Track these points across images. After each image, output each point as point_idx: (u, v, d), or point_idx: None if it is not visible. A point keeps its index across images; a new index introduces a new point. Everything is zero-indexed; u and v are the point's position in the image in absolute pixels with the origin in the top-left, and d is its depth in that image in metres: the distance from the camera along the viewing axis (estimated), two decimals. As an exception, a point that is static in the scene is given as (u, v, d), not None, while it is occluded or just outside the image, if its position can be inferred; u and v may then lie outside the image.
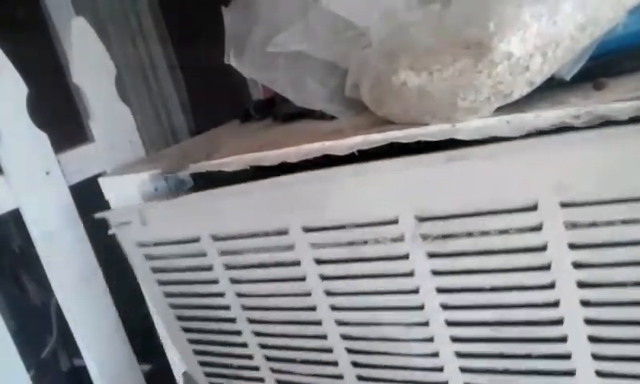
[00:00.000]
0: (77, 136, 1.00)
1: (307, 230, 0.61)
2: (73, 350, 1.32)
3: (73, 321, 0.87)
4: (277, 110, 0.85)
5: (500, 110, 0.52)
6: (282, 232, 0.63)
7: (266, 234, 0.65)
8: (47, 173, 0.85)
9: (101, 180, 0.82)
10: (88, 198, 0.87)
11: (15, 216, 0.82)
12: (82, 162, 0.90)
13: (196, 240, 0.70)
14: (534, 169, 0.48)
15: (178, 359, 0.88)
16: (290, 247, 0.63)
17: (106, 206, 0.82)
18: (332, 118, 0.72)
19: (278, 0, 0.71)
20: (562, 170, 0.47)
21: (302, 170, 0.60)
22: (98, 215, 0.75)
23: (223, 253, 0.69)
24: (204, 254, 0.70)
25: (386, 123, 0.60)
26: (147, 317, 0.87)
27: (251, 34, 0.71)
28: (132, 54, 1.55)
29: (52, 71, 1.43)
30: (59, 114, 1.41)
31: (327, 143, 0.62)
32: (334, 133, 0.64)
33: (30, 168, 0.83)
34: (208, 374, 0.81)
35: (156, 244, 0.74)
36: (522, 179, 0.49)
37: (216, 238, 0.69)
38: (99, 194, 0.82)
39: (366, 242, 0.58)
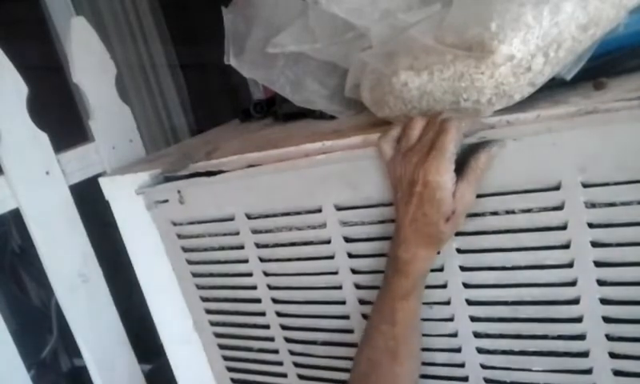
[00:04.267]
0: (77, 136, 1.00)
1: (339, 208, 0.63)
2: (73, 350, 1.32)
3: (73, 321, 0.87)
4: (277, 110, 0.85)
5: (501, 110, 0.52)
6: (315, 210, 0.64)
7: (298, 213, 0.66)
8: (47, 173, 0.85)
9: (101, 180, 0.82)
10: (88, 198, 0.87)
11: (15, 216, 0.82)
12: (82, 162, 0.90)
13: (231, 218, 0.71)
14: (559, 150, 0.49)
15: (179, 359, 0.88)
16: (322, 225, 0.64)
17: (105, 205, 0.82)
18: (332, 117, 0.73)
19: (278, 0, 0.71)
20: (584, 152, 0.48)
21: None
22: (139, 191, 0.76)
23: (255, 231, 0.70)
24: (237, 233, 0.71)
25: (385, 123, 0.60)
26: (147, 317, 0.87)
27: (251, 34, 0.71)
28: (132, 53, 1.56)
29: (52, 71, 1.43)
30: (59, 114, 1.41)
31: (327, 143, 0.62)
32: (334, 133, 0.64)
33: (30, 168, 0.83)
34: (226, 358, 0.82)
35: (190, 223, 0.75)
36: (547, 159, 0.50)
37: (250, 217, 0.70)
38: (99, 193, 0.82)
39: (394, 221, 0.59)
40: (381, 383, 0.58)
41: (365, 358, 0.59)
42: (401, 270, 0.54)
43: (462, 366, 0.61)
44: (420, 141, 0.51)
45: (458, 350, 0.61)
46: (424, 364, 0.64)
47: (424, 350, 0.63)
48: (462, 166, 0.51)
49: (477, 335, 0.60)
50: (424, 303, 0.61)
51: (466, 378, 0.62)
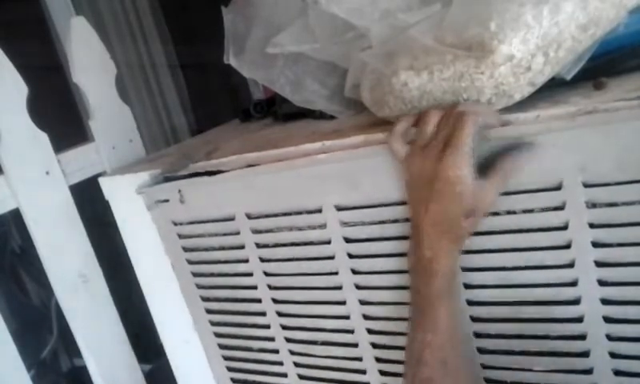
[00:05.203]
0: (77, 136, 1.00)
1: (339, 208, 0.63)
2: (73, 350, 1.32)
3: (73, 321, 0.87)
4: (277, 110, 0.85)
5: (500, 110, 0.52)
6: (316, 210, 0.64)
7: (299, 213, 0.66)
8: (47, 173, 0.85)
9: (101, 180, 0.82)
10: (88, 198, 0.87)
11: (15, 216, 0.82)
12: (81, 161, 0.90)
13: (231, 218, 0.71)
14: (559, 150, 0.49)
15: (179, 359, 0.88)
16: (322, 225, 0.64)
17: (105, 205, 0.82)
18: (331, 117, 0.73)
19: (278, 0, 0.71)
20: (585, 151, 0.48)
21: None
22: (139, 191, 0.76)
23: (255, 231, 0.70)
24: (237, 233, 0.71)
25: (385, 123, 0.60)
26: (147, 317, 0.87)
27: (251, 34, 0.71)
28: (132, 53, 1.56)
29: (52, 71, 1.43)
30: (59, 114, 1.41)
31: (327, 143, 0.62)
32: (334, 132, 0.64)
33: (30, 168, 0.83)
34: (226, 358, 0.82)
35: (191, 222, 0.75)
36: (547, 159, 0.50)
37: (250, 217, 0.70)
38: (99, 193, 0.82)
39: (395, 221, 0.60)
40: None
41: (417, 380, 0.55)
42: (428, 270, 0.52)
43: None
44: (436, 137, 0.50)
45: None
46: None
47: None
48: (487, 165, 0.50)
49: (478, 335, 0.59)
50: None
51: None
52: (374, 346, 0.67)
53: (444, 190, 0.49)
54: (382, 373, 0.67)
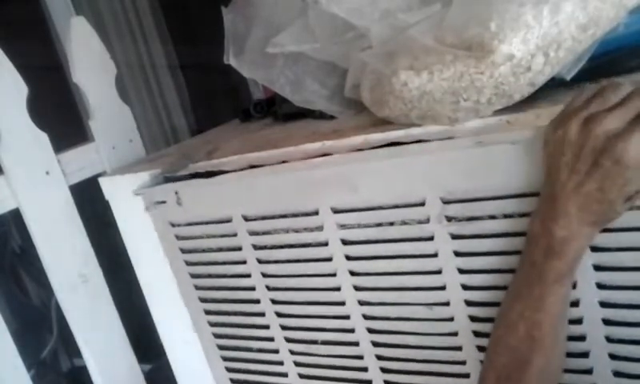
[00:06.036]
0: (77, 136, 1.00)
1: (336, 211, 0.63)
2: (73, 350, 1.32)
3: (73, 321, 0.87)
4: (277, 110, 0.85)
5: (500, 110, 0.52)
6: (312, 213, 0.64)
7: (295, 215, 0.66)
8: (47, 173, 0.85)
9: (101, 180, 0.82)
10: (88, 198, 0.87)
11: (15, 216, 0.82)
12: (81, 161, 0.90)
13: (228, 220, 0.71)
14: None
15: (180, 359, 0.88)
16: (319, 228, 0.65)
17: (105, 205, 0.82)
18: (331, 117, 0.73)
19: (278, 0, 0.71)
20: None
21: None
22: (137, 192, 0.76)
23: (252, 233, 0.70)
24: (234, 234, 0.71)
25: (385, 123, 0.61)
26: (147, 317, 0.87)
27: (251, 33, 0.71)
28: (132, 53, 1.55)
29: (52, 71, 1.43)
30: (59, 114, 1.41)
31: (327, 143, 0.62)
32: (334, 133, 0.64)
33: (30, 168, 0.83)
34: (226, 358, 0.82)
35: (188, 224, 0.75)
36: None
37: (247, 219, 0.70)
38: (99, 193, 0.82)
39: (392, 224, 0.60)
40: (524, 379, 0.50)
41: (505, 346, 0.51)
42: (555, 251, 0.46)
43: (463, 363, 0.62)
44: (625, 106, 0.42)
45: (459, 349, 0.61)
46: (427, 361, 0.64)
47: (427, 348, 0.63)
48: None
49: (477, 334, 0.60)
50: (424, 304, 0.61)
51: (467, 375, 0.62)
52: (375, 344, 0.67)
53: (611, 171, 0.42)
54: (384, 370, 0.68)
